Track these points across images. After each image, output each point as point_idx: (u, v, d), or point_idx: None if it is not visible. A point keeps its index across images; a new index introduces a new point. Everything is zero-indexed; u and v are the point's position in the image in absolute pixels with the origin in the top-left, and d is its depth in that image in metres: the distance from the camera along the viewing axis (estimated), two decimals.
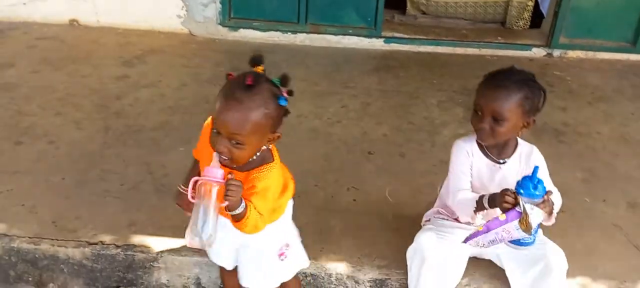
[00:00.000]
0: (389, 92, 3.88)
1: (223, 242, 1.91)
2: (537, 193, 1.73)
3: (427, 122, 3.44)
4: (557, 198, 1.93)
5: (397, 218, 2.51)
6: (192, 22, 4.80)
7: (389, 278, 2.21)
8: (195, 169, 1.86)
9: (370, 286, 2.22)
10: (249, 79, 1.51)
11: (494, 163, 1.95)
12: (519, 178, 1.82)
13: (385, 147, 3.12)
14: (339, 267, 2.22)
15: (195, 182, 1.53)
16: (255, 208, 1.63)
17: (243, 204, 1.58)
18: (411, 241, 2.27)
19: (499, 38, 4.99)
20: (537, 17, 5.25)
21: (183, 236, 2.24)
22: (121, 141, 3.04)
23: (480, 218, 1.93)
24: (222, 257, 2.00)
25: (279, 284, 1.98)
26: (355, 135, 3.26)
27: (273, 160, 1.70)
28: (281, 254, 1.92)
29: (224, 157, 1.54)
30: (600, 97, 4.00)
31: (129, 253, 2.26)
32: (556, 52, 4.78)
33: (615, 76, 4.41)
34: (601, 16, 4.69)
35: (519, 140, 1.98)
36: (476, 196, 1.90)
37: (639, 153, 3.21)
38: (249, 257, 1.91)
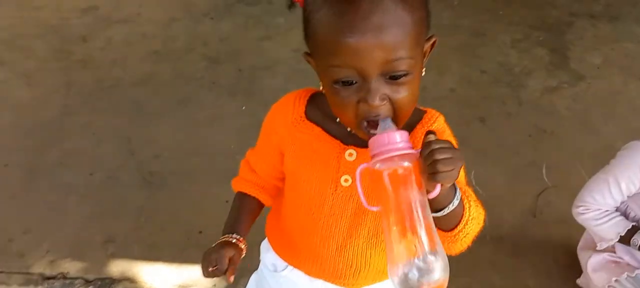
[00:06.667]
0: (444, 27, 3.09)
1: None
2: None
3: (503, 70, 2.71)
4: None
5: (493, 227, 1.77)
6: None
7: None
8: (246, 208, 1.07)
9: None
10: None
11: None
12: None
13: (456, 109, 2.41)
14: None
15: (363, 170, 0.81)
16: (467, 194, 0.90)
17: (458, 191, 0.84)
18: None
19: None
20: None
21: (184, 255, 1.69)
22: (89, 104, 2.50)
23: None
24: None
25: None
26: None
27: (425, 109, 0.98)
28: None
29: (383, 113, 0.81)
30: None
31: None
32: None
33: None
34: None
35: None
36: (628, 225, 1.53)
37: None
38: None
